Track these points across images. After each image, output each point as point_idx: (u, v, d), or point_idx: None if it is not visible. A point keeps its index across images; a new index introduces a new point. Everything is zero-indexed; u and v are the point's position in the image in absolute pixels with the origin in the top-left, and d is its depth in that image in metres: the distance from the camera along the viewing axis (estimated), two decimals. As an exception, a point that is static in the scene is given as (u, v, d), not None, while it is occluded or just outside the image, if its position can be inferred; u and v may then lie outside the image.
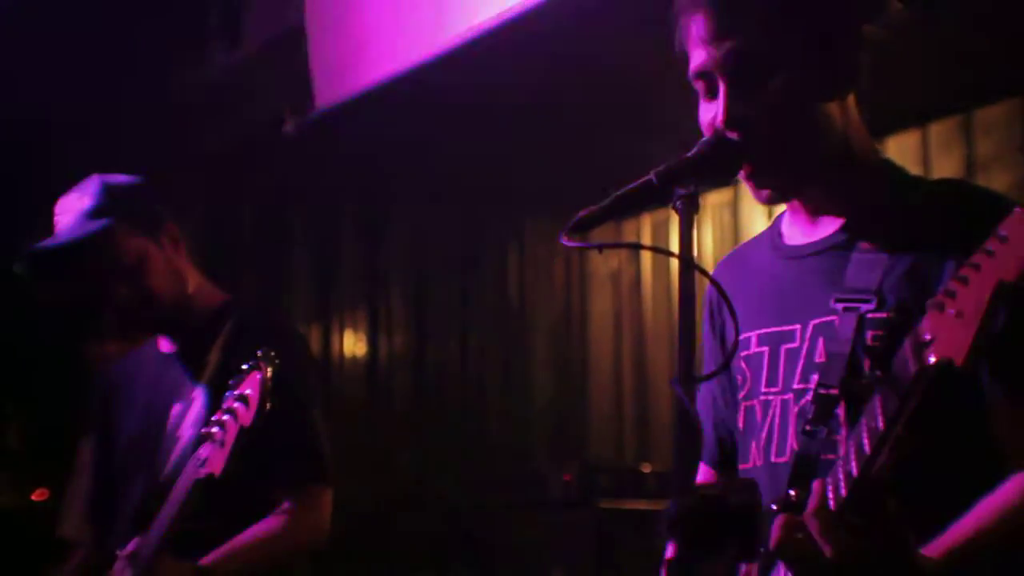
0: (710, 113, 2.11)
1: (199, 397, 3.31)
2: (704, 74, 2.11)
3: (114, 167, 3.52)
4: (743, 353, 2.24)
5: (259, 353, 2.83)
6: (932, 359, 1.64)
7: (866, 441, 1.77)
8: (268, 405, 2.78)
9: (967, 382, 1.92)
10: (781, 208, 2.32)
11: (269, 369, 2.80)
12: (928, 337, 1.65)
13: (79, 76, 6.23)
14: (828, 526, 1.78)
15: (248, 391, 2.79)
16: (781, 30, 2.07)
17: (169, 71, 6.84)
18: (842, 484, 1.81)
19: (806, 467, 1.99)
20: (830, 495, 1.81)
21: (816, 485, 1.82)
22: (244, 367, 2.84)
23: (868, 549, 1.78)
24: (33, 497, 5.66)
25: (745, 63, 2.07)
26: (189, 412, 3.31)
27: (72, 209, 3.34)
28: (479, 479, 6.34)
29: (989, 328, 1.59)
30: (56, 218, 3.37)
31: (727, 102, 2.07)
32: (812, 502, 1.81)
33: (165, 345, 3.51)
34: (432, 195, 6.91)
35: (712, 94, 2.11)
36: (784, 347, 2.18)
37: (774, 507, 1.96)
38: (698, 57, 2.11)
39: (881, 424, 1.75)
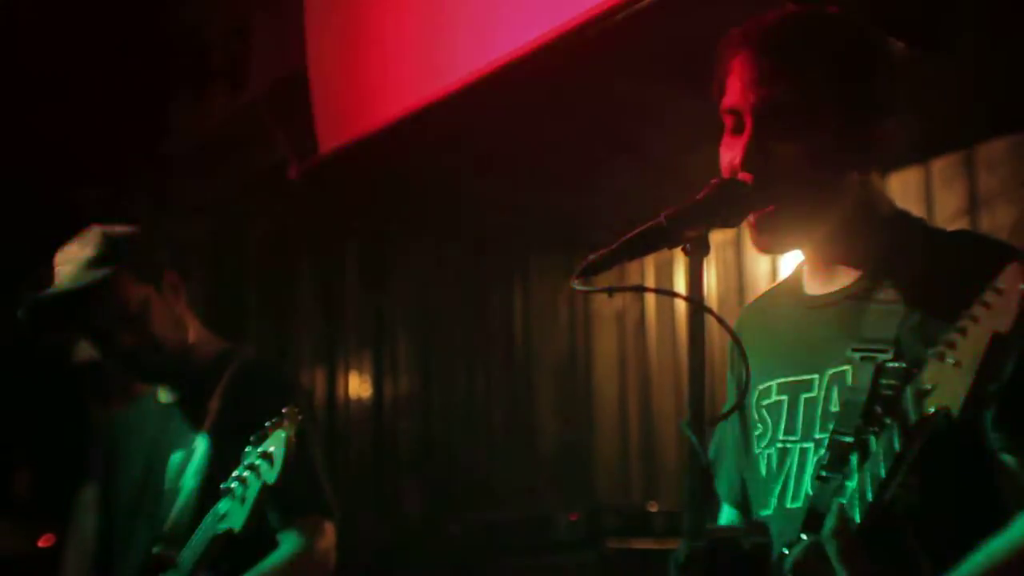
0: (730, 152, 2.12)
1: (200, 446, 3.30)
2: (735, 111, 2.12)
3: (117, 212, 3.53)
4: (764, 402, 2.24)
5: (284, 410, 2.82)
6: (931, 409, 1.67)
7: (869, 487, 1.78)
8: (292, 463, 2.77)
9: (971, 428, 1.94)
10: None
11: (293, 427, 2.79)
12: (928, 387, 1.67)
13: (80, 121, 6.25)
14: (848, 548, 1.78)
15: (272, 448, 2.77)
16: (823, 92, 2.08)
17: (172, 116, 6.87)
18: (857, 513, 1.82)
19: (819, 512, 1.99)
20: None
21: (838, 508, 1.82)
22: (267, 424, 2.83)
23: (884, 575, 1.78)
24: (40, 543, 5.64)
25: (778, 112, 2.07)
26: (190, 461, 3.30)
27: (73, 259, 3.34)
28: (485, 520, 6.31)
29: (986, 379, 1.62)
30: (57, 268, 3.37)
31: (748, 144, 2.08)
32: (834, 523, 1.81)
33: (165, 396, 3.51)
34: (436, 237, 6.92)
35: (738, 131, 2.12)
36: (803, 396, 2.18)
37: (786, 551, 1.96)
38: (734, 94, 2.12)
39: (883, 471, 1.76)
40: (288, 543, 3.18)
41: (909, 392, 1.71)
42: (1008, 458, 1.97)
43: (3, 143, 5.92)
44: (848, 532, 1.79)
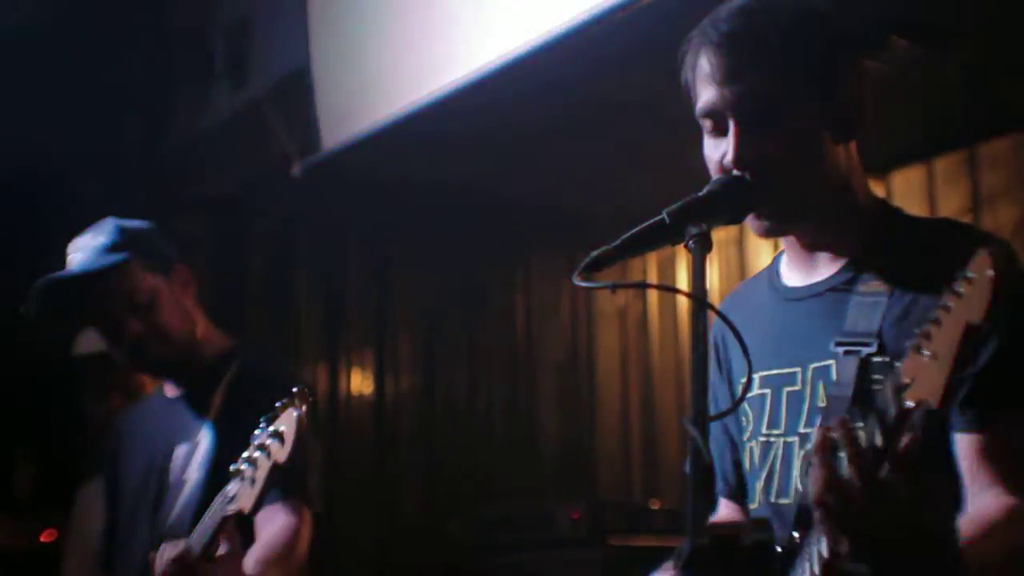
0: (718, 151, 2.12)
1: (204, 438, 3.30)
2: (713, 113, 2.12)
3: (120, 209, 3.54)
4: (746, 395, 2.24)
5: (295, 390, 2.82)
6: (910, 403, 1.65)
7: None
8: (303, 441, 2.76)
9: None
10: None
11: (304, 406, 2.78)
12: (907, 380, 1.66)
13: (83, 119, 6.25)
14: (871, 474, 1.72)
15: (283, 427, 2.76)
16: (792, 74, 2.08)
17: (175, 112, 6.87)
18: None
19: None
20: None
21: (855, 432, 1.74)
22: (278, 404, 2.82)
23: (913, 509, 1.74)
24: (42, 538, 5.64)
25: (757, 106, 2.07)
26: (195, 454, 3.31)
27: (87, 246, 3.36)
28: (487, 517, 6.31)
29: (962, 370, 1.60)
30: (69, 256, 3.38)
31: (738, 143, 2.08)
32: (852, 442, 1.74)
33: (170, 390, 3.51)
34: (438, 234, 6.92)
35: (720, 132, 2.12)
36: (786, 390, 2.18)
37: (779, 549, 1.96)
38: (707, 95, 2.12)
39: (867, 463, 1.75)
40: (278, 517, 3.15)
41: (888, 386, 1.70)
42: (967, 438, 1.97)
43: (3, 139, 5.91)
44: (866, 452, 1.73)
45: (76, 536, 4.58)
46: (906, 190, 5.48)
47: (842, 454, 1.75)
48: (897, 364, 1.70)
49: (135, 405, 3.84)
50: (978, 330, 1.57)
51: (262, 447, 2.79)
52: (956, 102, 4.99)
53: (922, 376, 1.63)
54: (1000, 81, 4.82)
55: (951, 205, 5.41)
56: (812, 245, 2.22)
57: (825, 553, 1.82)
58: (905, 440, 1.69)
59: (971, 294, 1.58)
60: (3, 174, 6.03)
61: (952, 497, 1.92)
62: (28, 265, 3.68)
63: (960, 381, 1.60)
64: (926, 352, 1.63)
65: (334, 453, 6.16)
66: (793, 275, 2.27)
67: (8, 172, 6.04)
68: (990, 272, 1.57)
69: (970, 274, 1.60)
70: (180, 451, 3.37)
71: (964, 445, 1.98)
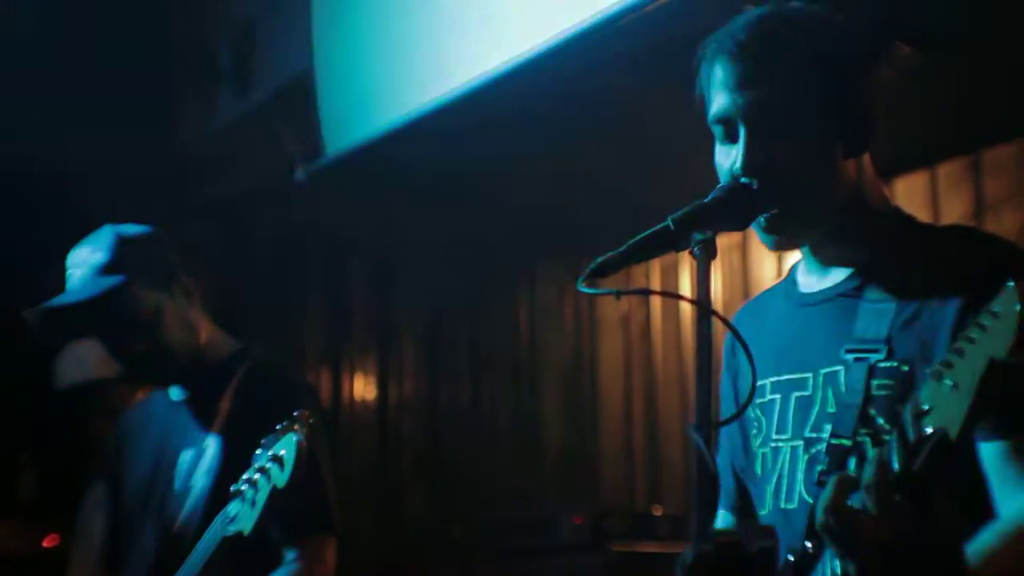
0: (728, 158, 2.12)
1: (211, 445, 3.28)
2: (724, 119, 2.12)
3: (126, 213, 3.51)
4: (758, 401, 2.25)
5: (295, 413, 2.80)
6: (928, 429, 1.65)
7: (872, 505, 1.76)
8: (304, 467, 2.76)
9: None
10: (790, 253, 2.32)
11: (305, 430, 2.77)
12: (926, 407, 1.66)
13: (90, 123, 6.26)
14: (887, 502, 1.72)
15: (283, 452, 2.76)
16: (805, 84, 2.08)
17: (180, 118, 6.87)
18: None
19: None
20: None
21: (877, 456, 1.75)
22: (278, 427, 2.81)
23: (922, 535, 1.75)
24: (44, 543, 5.64)
25: (768, 113, 2.08)
26: (201, 460, 3.29)
27: (85, 263, 3.31)
28: (490, 523, 6.31)
29: (983, 404, 1.59)
30: (69, 271, 3.35)
31: (747, 149, 2.08)
32: (873, 472, 1.74)
33: (175, 392, 3.49)
34: (442, 239, 6.92)
35: (731, 139, 2.12)
36: (795, 395, 2.18)
37: (790, 557, 1.96)
38: (720, 102, 2.12)
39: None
40: (285, 568, 3.16)
41: (907, 411, 1.69)
42: (993, 445, 1.96)
43: (8, 145, 5.92)
44: (888, 480, 1.73)
45: (81, 539, 4.58)
46: (909, 196, 5.47)
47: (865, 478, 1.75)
48: (912, 385, 1.68)
49: (137, 404, 3.81)
50: (1001, 366, 1.57)
51: (262, 470, 2.79)
52: (959, 108, 4.99)
53: (941, 404, 1.63)
54: (1004, 87, 4.82)
55: (954, 211, 5.41)
56: (824, 251, 2.22)
57: (839, 572, 1.82)
58: (919, 466, 1.68)
59: (996, 329, 1.58)
60: (7, 178, 6.04)
61: (960, 522, 1.91)
62: (30, 269, 3.67)
63: (980, 414, 1.60)
64: (947, 381, 1.62)
65: (337, 458, 6.15)
66: (808, 281, 2.28)
67: (12, 175, 6.05)
68: (1018, 307, 1.56)
69: (996, 308, 1.59)
70: (186, 456, 3.35)
71: (990, 453, 1.97)
